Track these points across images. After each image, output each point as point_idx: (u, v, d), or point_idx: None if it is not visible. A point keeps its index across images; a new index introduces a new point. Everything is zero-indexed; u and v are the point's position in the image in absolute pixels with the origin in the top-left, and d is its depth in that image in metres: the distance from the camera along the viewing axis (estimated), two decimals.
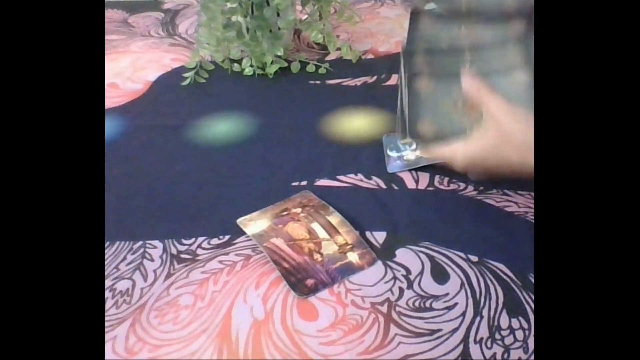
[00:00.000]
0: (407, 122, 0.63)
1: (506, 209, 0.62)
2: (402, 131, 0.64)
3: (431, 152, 0.63)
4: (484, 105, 0.56)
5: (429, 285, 0.54)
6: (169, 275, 0.57)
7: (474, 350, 0.48)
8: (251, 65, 0.90)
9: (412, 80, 0.63)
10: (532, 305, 0.51)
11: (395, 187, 0.66)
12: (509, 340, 0.49)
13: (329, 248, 0.58)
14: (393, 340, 0.49)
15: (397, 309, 0.52)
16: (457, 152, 0.57)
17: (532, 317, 0.50)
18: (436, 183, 0.66)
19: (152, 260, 0.59)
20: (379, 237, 0.60)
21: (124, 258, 0.59)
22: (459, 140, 0.57)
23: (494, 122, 0.54)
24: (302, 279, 0.55)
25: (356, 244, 0.59)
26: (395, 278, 0.55)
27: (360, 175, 0.69)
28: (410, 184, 0.67)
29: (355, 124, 0.79)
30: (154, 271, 0.57)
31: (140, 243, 0.61)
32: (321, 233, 0.60)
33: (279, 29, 0.89)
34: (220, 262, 0.58)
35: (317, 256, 0.57)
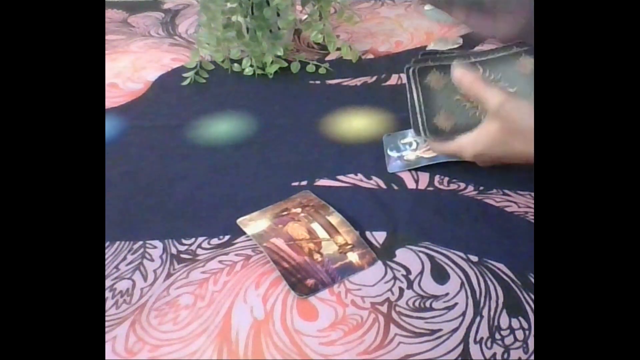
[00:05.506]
0: (424, 118, 0.64)
1: (506, 209, 0.62)
2: (417, 128, 0.65)
3: (442, 147, 0.63)
4: (481, 98, 0.57)
5: (429, 285, 0.54)
6: (169, 275, 0.57)
7: (474, 350, 0.48)
8: (251, 65, 0.90)
9: (422, 75, 0.64)
10: (532, 305, 0.51)
11: (395, 187, 0.66)
12: (509, 340, 0.49)
13: (329, 248, 0.58)
14: (393, 340, 0.49)
15: (397, 309, 0.52)
16: (465, 145, 0.59)
17: (532, 317, 0.50)
18: (436, 183, 0.66)
19: (152, 260, 0.59)
20: (379, 237, 0.60)
21: (124, 258, 0.59)
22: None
23: (495, 114, 0.55)
24: (302, 279, 0.55)
25: (356, 244, 0.59)
26: (395, 278, 0.55)
27: (360, 175, 0.69)
28: (410, 184, 0.67)
29: (355, 124, 0.79)
30: (154, 271, 0.57)
31: (140, 243, 0.61)
32: (321, 233, 0.60)
33: (279, 29, 0.89)
34: (220, 262, 0.58)
35: (317, 256, 0.57)
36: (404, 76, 0.91)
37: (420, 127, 0.64)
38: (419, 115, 0.64)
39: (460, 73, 0.59)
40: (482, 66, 0.63)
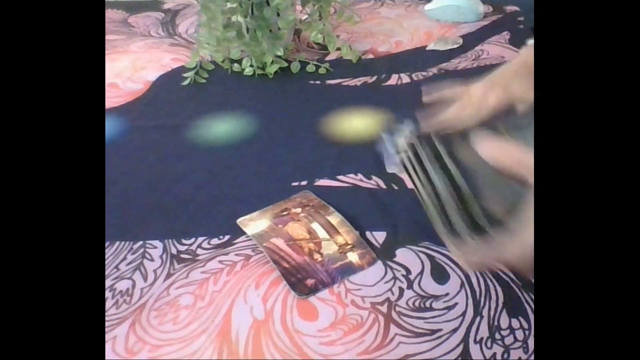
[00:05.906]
0: (479, 209, 0.43)
1: None
2: (471, 226, 0.43)
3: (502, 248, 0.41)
4: (528, 174, 0.40)
5: (429, 285, 0.54)
6: (169, 275, 0.57)
7: (474, 350, 0.48)
8: (251, 65, 0.90)
9: (455, 153, 0.45)
10: (532, 305, 0.51)
11: (395, 187, 0.66)
12: (509, 340, 0.49)
13: (329, 248, 0.58)
14: (393, 340, 0.49)
15: (397, 309, 0.52)
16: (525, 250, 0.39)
17: (532, 317, 0.50)
18: None
19: (152, 260, 0.59)
20: (379, 237, 0.60)
21: (124, 258, 0.59)
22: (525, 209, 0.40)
23: None
24: (302, 279, 0.55)
25: (356, 244, 0.59)
26: (395, 278, 0.55)
27: (360, 175, 0.69)
28: (410, 184, 0.67)
29: (355, 124, 0.79)
30: (154, 271, 0.57)
31: (140, 243, 0.61)
32: (321, 233, 0.60)
33: (279, 29, 0.89)
34: (220, 262, 0.58)
35: (317, 256, 0.57)
36: (404, 76, 0.91)
37: (466, 225, 0.43)
38: (458, 208, 0.44)
39: (492, 148, 0.41)
40: (506, 130, 0.45)
